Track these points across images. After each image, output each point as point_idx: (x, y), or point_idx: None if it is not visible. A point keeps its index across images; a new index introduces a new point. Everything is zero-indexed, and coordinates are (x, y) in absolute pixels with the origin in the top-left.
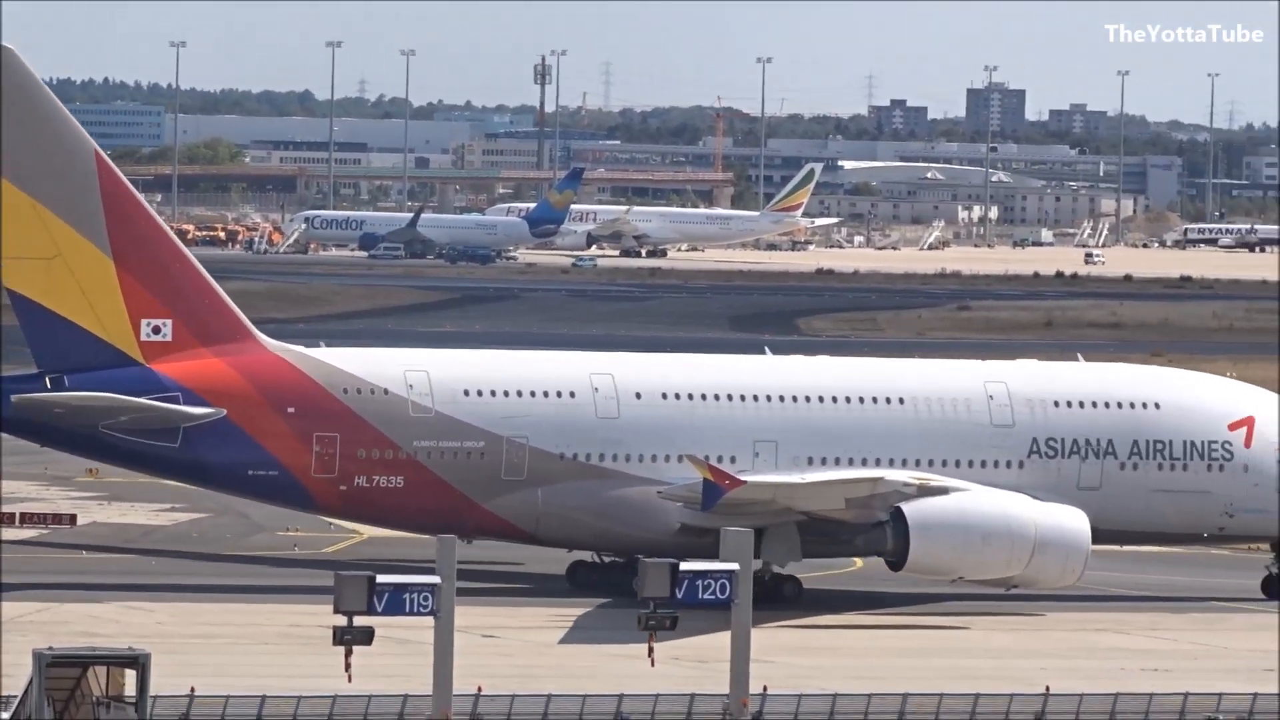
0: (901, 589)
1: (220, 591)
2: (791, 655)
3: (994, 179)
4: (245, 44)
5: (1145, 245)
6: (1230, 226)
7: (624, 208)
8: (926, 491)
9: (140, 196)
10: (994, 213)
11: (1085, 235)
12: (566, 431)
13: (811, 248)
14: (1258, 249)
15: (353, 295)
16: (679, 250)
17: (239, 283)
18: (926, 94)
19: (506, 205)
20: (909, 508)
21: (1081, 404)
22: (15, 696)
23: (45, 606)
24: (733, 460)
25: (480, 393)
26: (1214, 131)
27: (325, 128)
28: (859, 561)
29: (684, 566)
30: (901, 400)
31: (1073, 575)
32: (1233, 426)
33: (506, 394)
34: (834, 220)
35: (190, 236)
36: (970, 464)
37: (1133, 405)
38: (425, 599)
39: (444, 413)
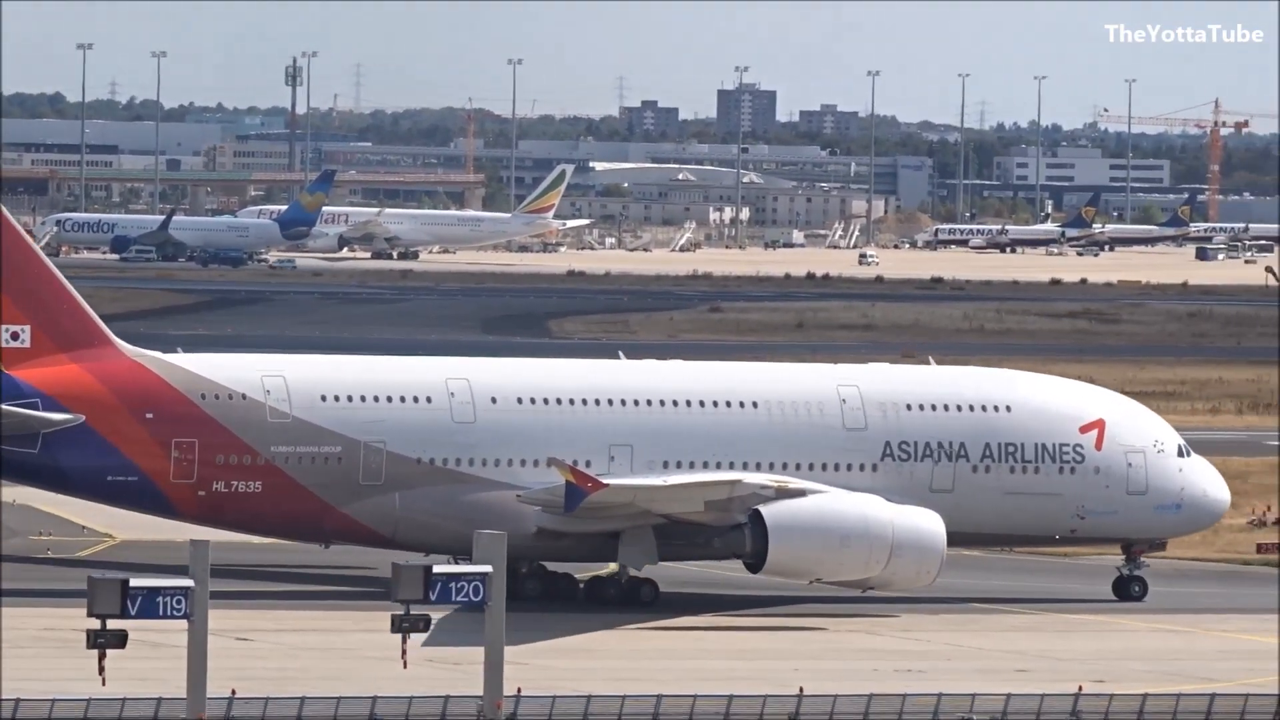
0: (766, 591)
1: None
2: (552, 658)
3: (745, 180)
4: None
5: (896, 246)
6: (981, 227)
7: (375, 210)
8: (784, 494)
9: None
10: (745, 214)
11: (836, 236)
12: (423, 436)
13: (563, 249)
14: (1009, 250)
15: (104, 298)
16: (431, 252)
17: None
18: (677, 95)
19: (258, 208)
20: (767, 510)
21: (934, 407)
22: None
23: None
24: (588, 464)
25: (337, 398)
26: (965, 132)
27: (77, 130)
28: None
29: (437, 569)
30: (755, 404)
31: (928, 577)
32: (1083, 429)
33: (364, 399)
34: (585, 222)
35: None
36: (824, 467)
37: (984, 408)
38: (179, 602)
39: (301, 418)
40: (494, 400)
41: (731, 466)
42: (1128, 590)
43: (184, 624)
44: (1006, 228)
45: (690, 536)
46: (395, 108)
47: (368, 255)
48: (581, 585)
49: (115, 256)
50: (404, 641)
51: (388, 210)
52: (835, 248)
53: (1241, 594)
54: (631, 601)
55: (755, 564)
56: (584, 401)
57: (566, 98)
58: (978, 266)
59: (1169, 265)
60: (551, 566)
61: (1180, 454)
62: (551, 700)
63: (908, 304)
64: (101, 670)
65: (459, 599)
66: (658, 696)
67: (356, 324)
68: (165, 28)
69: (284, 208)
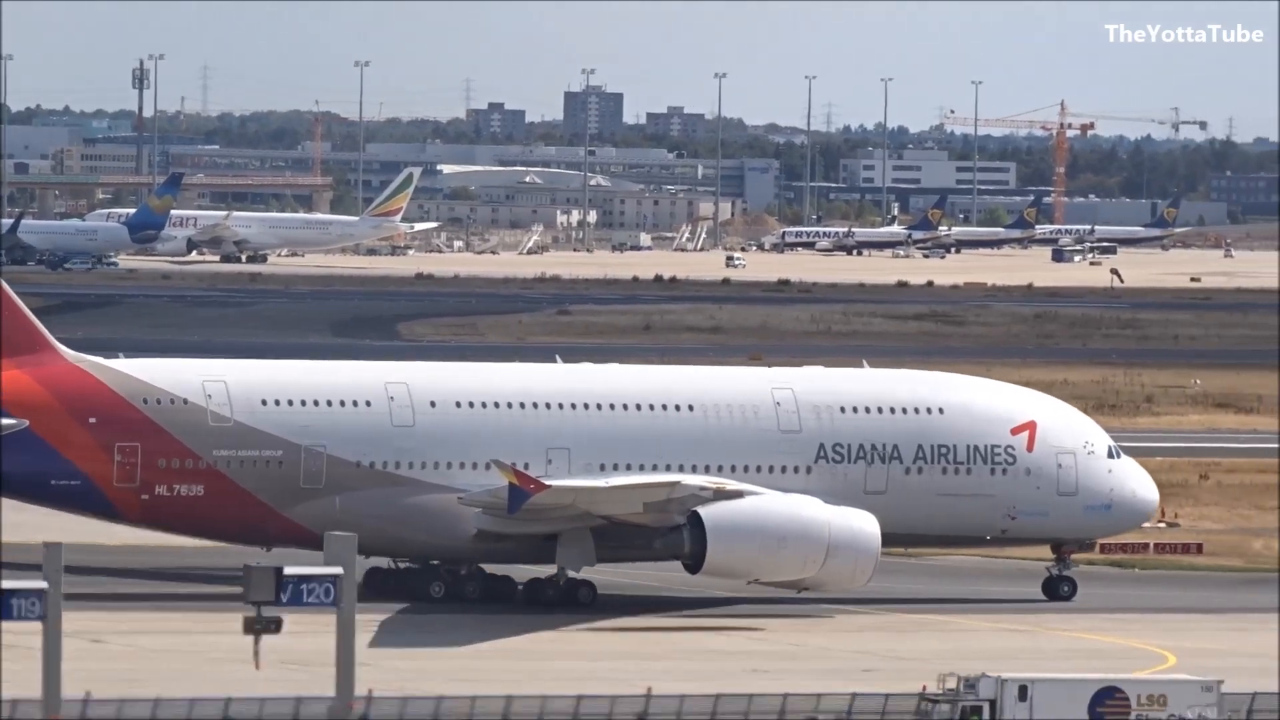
0: (698, 593)
1: None
2: (397, 660)
3: (592, 183)
4: None
5: (743, 249)
6: (827, 230)
7: (224, 213)
8: (722, 495)
9: None
10: (592, 217)
11: (684, 239)
12: (363, 440)
13: (411, 252)
14: (855, 252)
15: None
16: (279, 255)
17: None
18: (524, 97)
19: (106, 211)
20: (705, 511)
21: (867, 409)
22: None
23: None
24: (526, 467)
25: (278, 402)
26: (811, 134)
27: None
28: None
29: (288, 570)
30: (691, 407)
31: (863, 577)
32: (1015, 431)
33: (304, 403)
34: (433, 225)
35: None
36: (759, 469)
37: (917, 410)
38: (33, 604)
39: (242, 422)
40: (433, 404)
41: (669, 469)
42: (1057, 590)
43: (38, 625)
44: (853, 230)
45: (629, 538)
46: (242, 110)
47: (216, 258)
48: (520, 587)
49: None
50: (256, 643)
51: (236, 214)
52: (683, 250)
53: (1095, 595)
54: (570, 603)
55: (694, 565)
56: (522, 405)
57: (413, 100)
58: (824, 269)
59: (1019, 267)
60: (490, 569)
61: (1110, 455)
62: (403, 701)
63: (755, 306)
64: None
65: (310, 600)
66: (507, 697)
67: (210, 327)
68: (11, 29)
69: (132, 211)
